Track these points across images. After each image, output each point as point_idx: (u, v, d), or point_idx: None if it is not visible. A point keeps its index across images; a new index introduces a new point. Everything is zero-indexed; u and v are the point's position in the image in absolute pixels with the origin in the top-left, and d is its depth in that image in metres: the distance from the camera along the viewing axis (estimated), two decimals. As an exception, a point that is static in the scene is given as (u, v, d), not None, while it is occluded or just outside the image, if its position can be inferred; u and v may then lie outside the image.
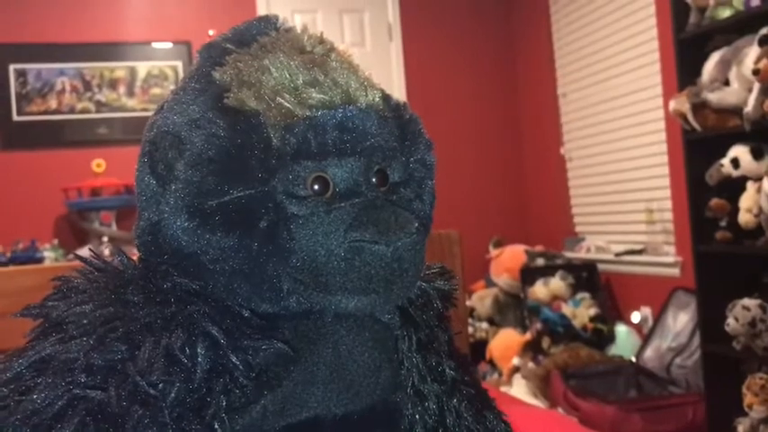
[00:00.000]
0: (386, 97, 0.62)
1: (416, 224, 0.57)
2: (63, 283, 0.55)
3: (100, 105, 3.91)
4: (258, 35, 0.61)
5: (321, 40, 0.61)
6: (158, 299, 0.53)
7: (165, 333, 0.50)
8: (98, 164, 3.70)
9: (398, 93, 4.32)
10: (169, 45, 4.00)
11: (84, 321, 0.51)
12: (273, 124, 0.55)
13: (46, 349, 0.50)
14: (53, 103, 3.84)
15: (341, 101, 0.56)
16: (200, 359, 0.50)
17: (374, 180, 0.58)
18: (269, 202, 0.54)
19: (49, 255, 3.44)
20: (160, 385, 0.48)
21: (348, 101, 0.57)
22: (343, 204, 0.56)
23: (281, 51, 0.58)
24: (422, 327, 0.64)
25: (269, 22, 0.62)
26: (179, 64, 4.00)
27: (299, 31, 0.62)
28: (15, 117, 3.77)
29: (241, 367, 0.51)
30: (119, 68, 3.94)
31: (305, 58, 0.58)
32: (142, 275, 0.55)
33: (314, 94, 0.55)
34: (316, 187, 0.55)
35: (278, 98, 0.55)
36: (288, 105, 0.55)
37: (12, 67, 3.77)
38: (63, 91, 3.86)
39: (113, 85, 3.93)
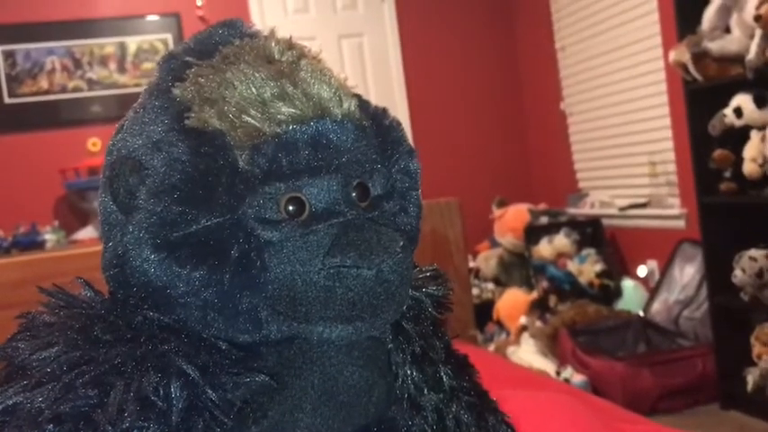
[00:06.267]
0: (363, 104, 0.58)
1: (402, 242, 0.53)
2: (28, 321, 0.52)
3: (92, 83, 3.86)
4: (221, 44, 0.56)
5: (290, 45, 0.56)
6: (129, 336, 0.50)
7: (137, 374, 0.47)
8: (94, 143, 3.66)
9: (394, 54, 4.25)
10: (156, 18, 3.93)
11: (49, 369, 0.48)
12: (240, 145, 0.51)
13: (11, 398, 0.48)
14: (44, 84, 3.79)
15: (313, 114, 0.53)
16: (174, 400, 0.47)
17: (354, 195, 0.54)
18: (239, 230, 0.51)
19: (50, 237, 3.42)
20: (134, 431, 0.46)
21: (321, 113, 0.53)
22: (320, 226, 0.52)
23: (245, 62, 0.54)
24: (415, 339, 0.61)
25: (233, 28, 0.58)
26: (169, 37, 3.94)
27: (266, 34, 0.57)
28: (7, 99, 3.72)
29: (220, 404, 0.48)
30: (108, 45, 3.88)
31: (272, 69, 0.53)
32: (111, 310, 0.52)
33: (283, 109, 0.52)
34: (290, 209, 0.52)
35: (243, 115, 0.51)
36: (254, 123, 0.51)
37: (-1, 49, 3.72)
38: (53, 70, 3.80)
39: (104, 61, 3.87)
